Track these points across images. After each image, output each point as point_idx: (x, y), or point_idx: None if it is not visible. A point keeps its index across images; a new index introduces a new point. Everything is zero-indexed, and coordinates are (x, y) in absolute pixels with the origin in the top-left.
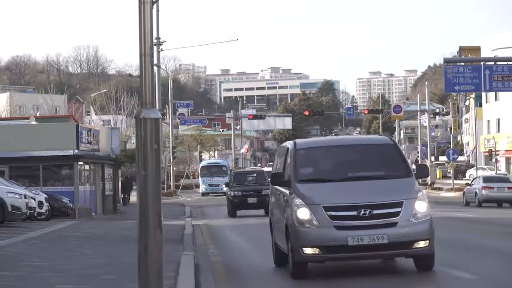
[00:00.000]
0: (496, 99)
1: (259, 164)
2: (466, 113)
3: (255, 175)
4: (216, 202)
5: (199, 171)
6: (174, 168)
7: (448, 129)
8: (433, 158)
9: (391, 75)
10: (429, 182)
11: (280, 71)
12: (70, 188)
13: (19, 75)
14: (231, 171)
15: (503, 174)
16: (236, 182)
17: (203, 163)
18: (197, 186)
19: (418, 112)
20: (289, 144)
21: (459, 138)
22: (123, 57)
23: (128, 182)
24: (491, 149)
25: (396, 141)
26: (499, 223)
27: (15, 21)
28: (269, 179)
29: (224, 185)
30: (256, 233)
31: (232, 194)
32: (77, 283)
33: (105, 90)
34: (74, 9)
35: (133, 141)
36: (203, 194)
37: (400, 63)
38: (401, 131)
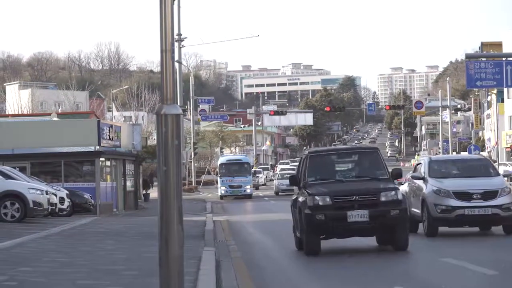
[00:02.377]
0: None
1: (274, 164)
2: (488, 108)
3: (357, 157)
4: (237, 199)
5: (217, 169)
6: (195, 164)
7: (470, 125)
8: (454, 154)
9: (413, 71)
10: None
11: (301, 67)
12: (91, 184)
13: (41, 72)
14: (305, 152)
15: None
16: (314, 174)
17: (222, 160)
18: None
19: (440, 108)
20: None
21: (480, 134)
22: (144, 54)
23: (150, 178)
24: None
25: (417, 136)
26: None
27: (37, 17)
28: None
29: (247, 187)
30: (277, 229)
31: (309, 202)
32: (98, 278)
33: (126, 87)
34: (96, 5)
35: (155, 137)
36: (222, 197)
37: (421, 59)
38: (423, 127)
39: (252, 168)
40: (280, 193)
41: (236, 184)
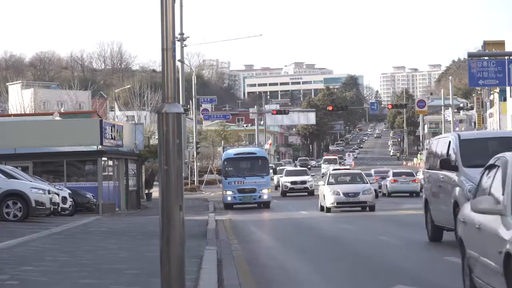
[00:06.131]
0: None
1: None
2: (491, 107)
3: None
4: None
5: (222, 167)
6: (198, 163)
7: (472, 123)
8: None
9: (415, 69)
10: None
11: (304, 66)
12: (94, 183)
13: (43, 71)
14: None
15: None
16: None
17: (228, 153)
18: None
19: (442, 107)
20: None
21: None
22: (146, 53)
23: (151, 177)
24: None
25: (420, 135)
26: None
27: (39, 17)
28: None
29: (264, 191)
30: (279, 228)
31: None
32: (100, 277)
33: (129, 86)
34: (98, 5)
35: (157, 136)
36: (228, 205)
37: (424, 58)
38: (425, 126)
39: None
40: (333, 209)
41: (248, 188)
